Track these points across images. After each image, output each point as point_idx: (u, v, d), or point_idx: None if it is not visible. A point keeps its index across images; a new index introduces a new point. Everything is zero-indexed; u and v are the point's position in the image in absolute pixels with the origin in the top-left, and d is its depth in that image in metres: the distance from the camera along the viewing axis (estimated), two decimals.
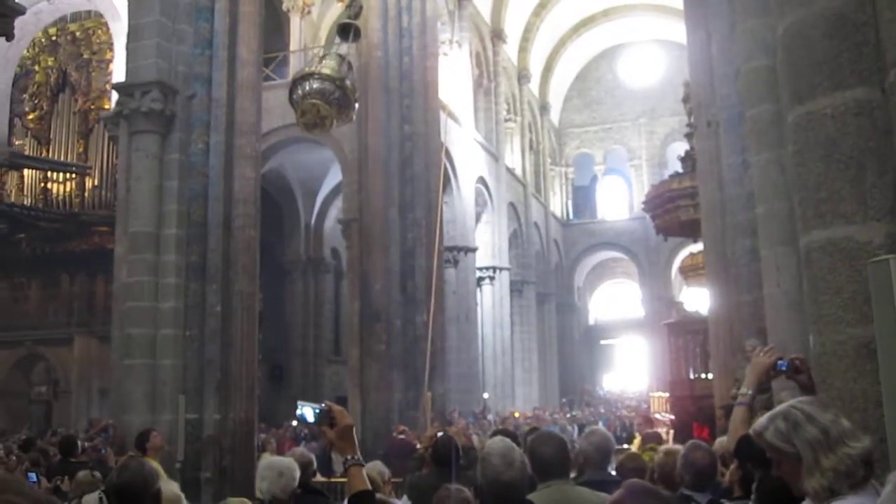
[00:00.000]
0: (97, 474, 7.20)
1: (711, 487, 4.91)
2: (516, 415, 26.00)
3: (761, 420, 2.84)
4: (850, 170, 3.48)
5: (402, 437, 15.49)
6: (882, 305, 3.31)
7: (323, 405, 3.56)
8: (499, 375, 31.70)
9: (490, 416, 25.14)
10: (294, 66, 26.61)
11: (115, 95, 15.09)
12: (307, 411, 3.74)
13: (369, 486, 3.40)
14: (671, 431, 16.05)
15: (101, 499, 6.37)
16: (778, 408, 2.86)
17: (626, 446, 16.50)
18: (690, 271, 18.52)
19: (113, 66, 24.29)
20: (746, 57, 7.58)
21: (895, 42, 3.32)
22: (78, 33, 27.33)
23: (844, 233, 3.48)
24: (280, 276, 27.98)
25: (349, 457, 3.39)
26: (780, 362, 3.99)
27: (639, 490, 2.16)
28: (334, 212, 28.15)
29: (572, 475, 4.64)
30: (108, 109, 20.03)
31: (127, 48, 13.78)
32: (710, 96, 11.46)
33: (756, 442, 2.92)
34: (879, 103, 3.47)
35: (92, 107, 26.37)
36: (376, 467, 6.36)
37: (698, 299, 17.52)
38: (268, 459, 4.95)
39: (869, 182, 3.45)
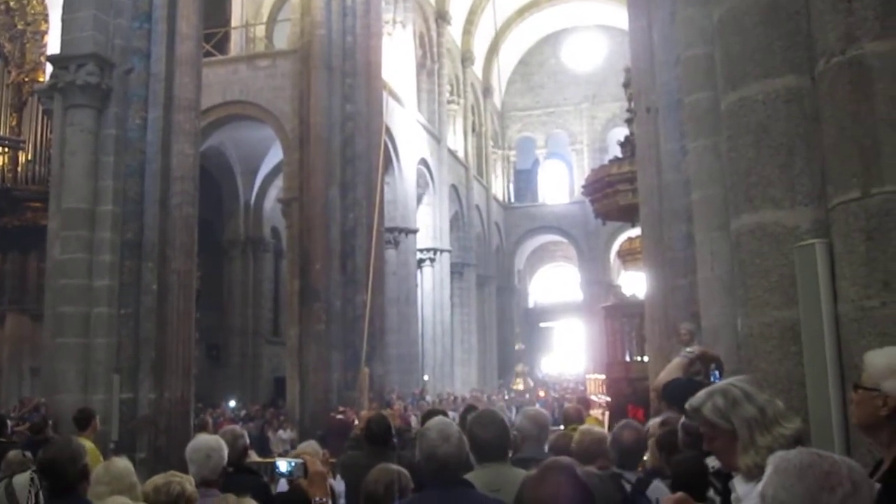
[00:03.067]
0: (28, 454, 7.08)
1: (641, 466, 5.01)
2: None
3: (699, 395, 2.89)
4: (779, 155, 3.56)
5: (340, 417, 15.48)
6: (807, 289, 3.40)
7: (300, 460, 4.16)
8: (438, 357, 31.77)
9: (428, 398, 25.22)
10: (235, 42, 26.28)
11: (49, 68, 14.76)
12: (282, 463, 4.25)
13: None
14: (607, 413, 16.25)
15: (32, 479, 6.26)
16: (716, 385, 2.92)
17: (561, 427, 16.67)
18: (628, 255, 18.78)
19: (48, 38, 23.68)
20: (686, 45, 7.66)
21: (825, 31, 3.39)
22: (12, 3, 26.47)
23: (773, 217, 3.56)
24: (218, 255, 27.65)
25: (318, 498, 3.96)
26: (715, 371, 4.07)
27: (557, 467, 2.18)
28: (274, 191, 27.87)
29: (510, 453, 4.67)
30: (42, 82, 19.55)
31: (62, 20, 13.46)
32: (650, 83, 11.58)
33: (692, 417, 2.98)
34: (809, 91, 3.54)
35: (26, 79, 25.62)
36: (311, 447, 6.35)
37: (635, 283, 17.74)
38: (194, 441, 4.85)
39: (797, 168, 3.53)
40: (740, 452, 2.74)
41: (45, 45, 24.11)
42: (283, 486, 6.38)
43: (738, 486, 2.81)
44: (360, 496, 4.25)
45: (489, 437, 4.18)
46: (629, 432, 4.97)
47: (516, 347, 41.01)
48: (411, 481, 4.25)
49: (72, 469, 3.85)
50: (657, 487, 4.68)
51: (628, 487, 4.54)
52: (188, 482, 3.86)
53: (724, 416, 2.78)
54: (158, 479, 3.84)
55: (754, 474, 2.71)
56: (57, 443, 4.10)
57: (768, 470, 1.89)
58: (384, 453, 5.95)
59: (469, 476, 3.95)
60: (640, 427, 5.29)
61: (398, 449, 6.54)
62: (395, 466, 4.33)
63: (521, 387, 31.08)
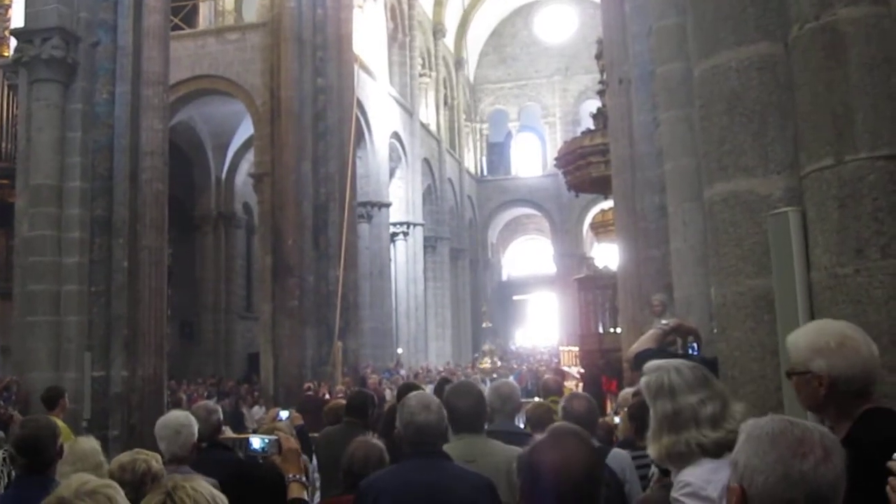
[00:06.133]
0: (2, 434, 7.03)
1: (599, 434, 5.02)
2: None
3: (652, 363, 2.92)
4: (752, 123, 3.54)
5: (309, 393, 15.49)
6: (780, 257, 3.40)
7: (274, 437, 4.09)
8: (412, 331, 31.83)
9: (402, 371, 25.26)
10: (204, 15, 25.96)
11: (14, 42, 14.50)
12: (255, 440, 4.13)
13: (306, 498, 3.91)
14: (580, 384, 16.36)
15: (4, 459, 6.20)
16: (666, 364, 2.89)
17: (536, 399, 16.78)
18: (601, 227, 18.84)
19: (11, 12, 23.27)
20: (658, 15, 7.64)
21: None
22: None
23: (746, 185, 3.55)
24: (190, 231, 27.44)
25: (291, 475, 3.89)
26: (692, 344, 4.08)
27: (565, 432, 2.20)
28: (246, 165, 27.66)
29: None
30: (6, 57, 19.21)
31: None
32: (622, 54, 11.56)
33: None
34: (782, 58, 3.53)
35: None
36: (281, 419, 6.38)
37: (608, 255, 17.81)
38: (164, 417, 4.81)
39: (770, 136, 3.52)
40: (649, 440, 2.78)
41: (8, 19, 23.64)
42: None
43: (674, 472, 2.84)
44: (337, 470, 4.25)
45: (466, 407, 4.19)
46: (579, 402, 4.99)
47: (483, 325, 40.57)
48: (386, 454, 4.26)
49: (53, 446, 3.87)
50: (616, 454, 4.71)
51: None
52: (154, 459, 3.84)
53: (648, 399, 2.81)
54: (124, 456, 3.82)
55: (660, 464, 2.76)
56: (35, 420, 4.09)
57: (740, 437, 1.90)
58: (362, 427, 5.96)
59: (445, 447, 3.96)
60: (590, 397, 5.31)
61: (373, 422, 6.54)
62: (373, 440, 4.34)
63: (487, 366, 30.48)
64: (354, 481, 4.07)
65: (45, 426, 3.97)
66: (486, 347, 33.13)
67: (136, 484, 3.62)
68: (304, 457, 5.44)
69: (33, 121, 12.68)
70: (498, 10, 45.05)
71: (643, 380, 2.86)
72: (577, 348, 20.23)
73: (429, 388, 11.37)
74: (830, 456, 1.79)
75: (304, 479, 3.93)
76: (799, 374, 2.53)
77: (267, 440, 4.05)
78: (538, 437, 2.42)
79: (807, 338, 2.56)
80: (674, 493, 2.69)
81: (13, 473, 6.01)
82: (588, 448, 2.13)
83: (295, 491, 3.84)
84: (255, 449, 4.09)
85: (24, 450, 4.00)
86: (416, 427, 3.70)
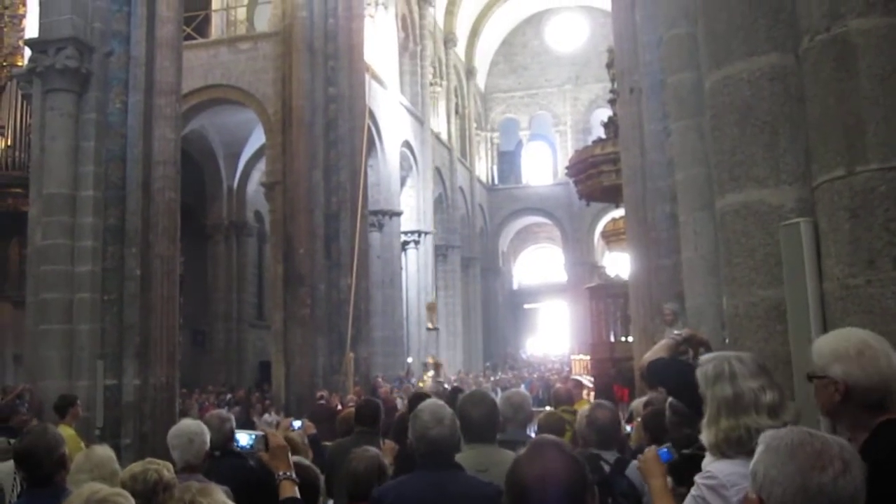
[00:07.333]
0: (13, 442, 7.04)
1: (617, 445, 5.02)
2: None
3: (709, 355, 2.93)
4: (763, 134, 3.55)
5: (321, 402, 15.48)
6: (792, 268, 3.40)
7: (260, 433, 3.99)
8: (423, 340, 31.79)
9: (413, 380, 25.24)
10: (216, 24, 26.08)
11: (28, 52, 14.61)
12: (242, 437, 4.04)
13: (298, 496, 3.78)
14: (592, 393, 16.32)
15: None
16: (724, 354, 2.92)
17: (547, 408, 16.75)
18: (612, 236, 18.83)
19: (26, 22, 23.44)
20: (669, 24, 7.63)
21: (810, 9, 3.37)
22: None
23: (758, 196, 3.55)
24: (202, 240, 27.50)
25: (281, 472, 3.78)
26: (703, 350, 4.09)
27: (544, 444, 2.21)
28: (257, 174, 27.75)
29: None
30: (21, 67, 19.35)
31: (40, 3, 13.34)
32: (633, 63, 11.57)
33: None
34: (793, 69, 3.53)
35: (4, 64, 25.33)
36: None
37: (620, 264, 17.79)
38: (176, 426, 4.81)
39: (782, 147, 3.52)
40: (704, 426, 2.77)
41: (23, 29, 23.84)
42: None
43: (706, 461, 2.84)
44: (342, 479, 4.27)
45: (479, 416, 4.19)
46: (602, 412, 4.98)
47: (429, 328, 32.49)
48: (385, 463, 4.30)
49: (48, 458, 3.81)
50: (636, 467, 4.70)
51: (606, 468, 4.55)
52: (166, 469, 3.82)
53: (705, 386, 2.80)
54: (135, 466, 3.80)
55: (713, 452, 2.74)
56: (33, 432, 4.07)
57: (759, 448, 1.90)
58: (374, 436, 5.97)
59: (457, 457, 3.96)
60: (613, 406, 5.31)
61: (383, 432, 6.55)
62: (371, 451, 4.35)
63: (428, 384, 20.83)
64: (357, 492, 4.10)
65: (40, 438, 3.91)
66: (429, 359, 27.50)
67: (148, 494, 3.61)
68: (316, 468, 5.45)
69: (47, 130, 12.74)
70: (509, 19, 45.12)
71: (699, 370, 2.86)
72: (588, 357, 20.19)
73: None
74: (849, 468, 1.78)
75: (293, 475, 3.87)
76: (818, 378, 2.52)
77: (254, 436, 3.99)
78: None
79: (829, 343, 2.55)
80: (697, 478, 2.71)
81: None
82: (569, 458, 2.14)
83: (287, 490, 3.77)
84: (242, 446, 4.05)
85: (21, 462, 4.01)
86: (428, 440, 3.69)
